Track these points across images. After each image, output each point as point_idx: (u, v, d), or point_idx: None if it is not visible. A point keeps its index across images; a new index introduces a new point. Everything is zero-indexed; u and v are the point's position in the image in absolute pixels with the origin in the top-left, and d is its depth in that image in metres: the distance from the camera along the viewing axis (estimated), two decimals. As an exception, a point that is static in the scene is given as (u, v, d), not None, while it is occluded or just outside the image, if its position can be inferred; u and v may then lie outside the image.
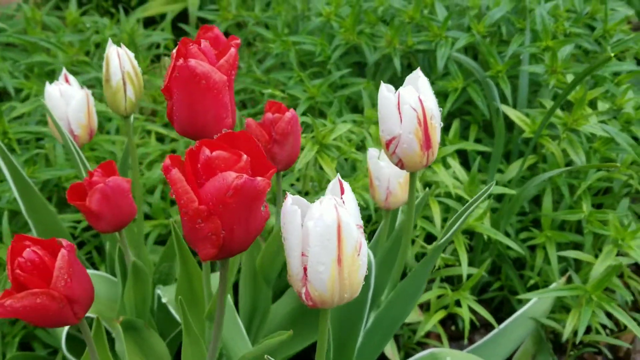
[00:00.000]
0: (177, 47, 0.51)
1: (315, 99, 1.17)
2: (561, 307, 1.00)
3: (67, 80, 0.77)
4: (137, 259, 0.69)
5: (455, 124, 1.10)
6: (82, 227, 0.95)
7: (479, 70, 1.12)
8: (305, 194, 1.01)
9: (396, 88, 0.60)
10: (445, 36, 1.13)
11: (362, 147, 1.05)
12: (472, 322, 0.98)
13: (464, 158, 1.16)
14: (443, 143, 1.08)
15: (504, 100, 1.08)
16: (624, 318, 0.86)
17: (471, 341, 1.03)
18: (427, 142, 0.59)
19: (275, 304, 0.89)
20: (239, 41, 0.79)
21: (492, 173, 1.04)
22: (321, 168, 0.99)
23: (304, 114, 1.15)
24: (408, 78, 0.60)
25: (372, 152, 0.74)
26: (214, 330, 0.58)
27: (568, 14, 1.16)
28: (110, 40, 0.72)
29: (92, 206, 0.60)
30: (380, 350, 0.81)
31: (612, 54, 0.89)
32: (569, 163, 1.04)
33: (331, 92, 1.18)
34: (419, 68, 0.60)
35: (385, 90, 0.59)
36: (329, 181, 0.93)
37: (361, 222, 0.48)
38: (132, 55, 0.73)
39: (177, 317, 0.77)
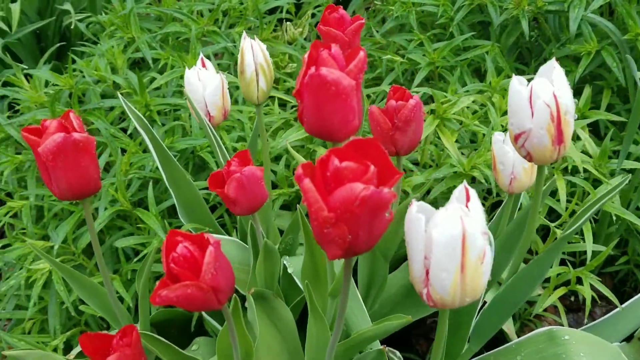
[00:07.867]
0: (309, 52, 0.52)
1: (436, 64, 1.14)
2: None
3: (203, 64, 0.82)
4: (267, 236, 0.74)
5: (587, 91, 1.05)
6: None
7: (616, 33, 1.04)
8: (423, 166, 1.01)
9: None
10: (579, -4, 1.05)
11: (485, 120, 1.02)
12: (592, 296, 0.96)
13: (594, 126, 1.10)
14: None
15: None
16: None
17: (591, 314, 1.01)
18: (559, 137, 0.57)
19: (391, 275, 0.91)
20: (363, 21, 0.79)
21: (627, 145, 0.97)
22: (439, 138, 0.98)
23: (425, 79, 1.14)
24: (542, 69, 0.58)
25: (498, 136, 0.73)
26: (338, 312, 0.61)
27: None
28: (244, 33, 0.75)
29: (229, 193, 0.64)
30: (497, 329, 0.81)
31: None
32: None
33: (452, 57, 1.15)
34: (554, 59, 0.57)
35: (517, 83, 0.57)
36: (448, 156, 0.92)
37: (487, 229, 0.48)
38: (264, 47, 0.75)
39: (301, 286, 0.82)
